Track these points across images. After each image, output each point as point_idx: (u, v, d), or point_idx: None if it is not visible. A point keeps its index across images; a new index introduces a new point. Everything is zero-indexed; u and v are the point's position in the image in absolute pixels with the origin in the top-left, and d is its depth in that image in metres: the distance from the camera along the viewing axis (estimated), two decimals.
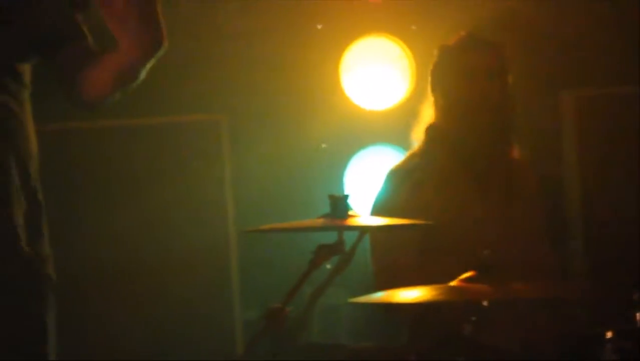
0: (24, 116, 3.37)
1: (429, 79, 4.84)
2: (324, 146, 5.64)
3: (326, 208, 3.89)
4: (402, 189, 4.70)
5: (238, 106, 5.51)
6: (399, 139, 5.29)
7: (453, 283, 3.90)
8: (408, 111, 5.14)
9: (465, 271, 3.90)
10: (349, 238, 3.81)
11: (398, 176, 4.76)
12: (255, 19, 5.60)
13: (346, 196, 3.85)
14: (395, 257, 4.58)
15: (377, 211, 4.68)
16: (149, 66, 3.22)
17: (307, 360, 4.15)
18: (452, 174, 4.70)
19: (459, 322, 4.01)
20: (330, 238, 3.78)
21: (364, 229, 3.97)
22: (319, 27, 5.63)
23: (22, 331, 3.29)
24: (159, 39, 3.13)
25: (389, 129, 5.57)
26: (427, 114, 4.82)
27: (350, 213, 3.89)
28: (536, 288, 4.12)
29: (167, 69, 3.40)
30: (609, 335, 4.07)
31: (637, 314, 3.91)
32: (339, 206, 3.90)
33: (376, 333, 5.04)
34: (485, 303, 3.95)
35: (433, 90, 4.79)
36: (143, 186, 5.24)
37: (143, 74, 3.25)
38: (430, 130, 4.77)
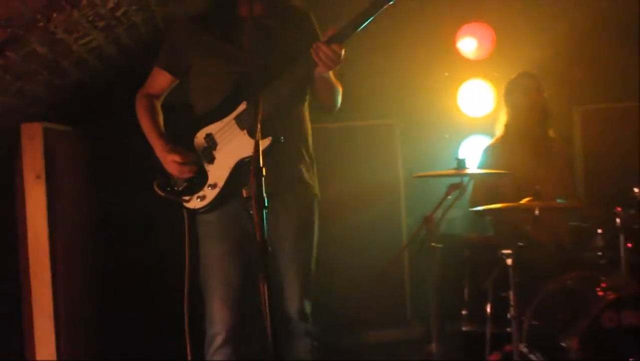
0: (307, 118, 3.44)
1: (503, 98, 4.80)
2: (447, 136, 5.39)
3: (452, 165, 3.96)
4: (493, 155, 4.68)
5: (405, 114, 5.17)
6: (488, 131, 5.06)
7: (523, 201, 3.93)
8: (493, 117, 5.04)
9: (525, 197, 3.95)
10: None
11: (492, 148, 4.76)
12: (417, 55, 5.23)
13: (464, 159, 3.96)
14: (479, 191, 4.54)
15: (483, 165, 4.62)
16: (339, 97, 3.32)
17: (442, 243, 3.98)
18: (518, 146, 4.63)
19: (523, 223, 4.00)
20: (453, 180, 3.90)
21: (472, 176, 4.03)
22: (446, 74, 5.38)
23: (302, 222, 3.34)
24: (335, 103, 3.31)
25: (483, 126, 5.29)
26: (502, 117, 4.78)
27: (465, 167, 3.96)
28: (560, 203, 4.05)
29: (358, 86, 3.35)
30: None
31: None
32: (460, 163, 3.96)
33: (476, 231, 4.82)
34: (537, 212, 3.89)
35: (505, 103, 4.77)
36: (340, 169, 4.87)
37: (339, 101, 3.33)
38: (506, 125, 4.73)
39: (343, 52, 3.07)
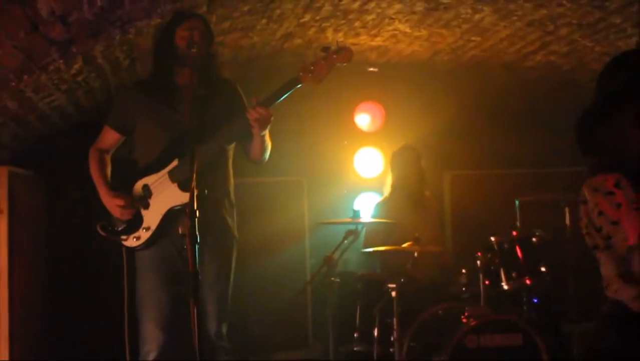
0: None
1: (390, 165, 4.86)
2: (345, 191, 5.36)
3: (348, 215, 4.06)
4: (381, 209, 4.71)
5: (311, 172, 5.23)
6: (377, 189, 5.13)
7: (403, 245, 4.06)
8: (382, 178, 5.09)
9: (406, 242, 4.08)
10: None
11: (381, 203, 4.81)
12: (322, 127, 5.28)
13: (358, 210, 4.07)
14: (370, 237, 4.52)
15: (374, 217, 4.58)
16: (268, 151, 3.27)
17: (339, 278, 4.06)
18: (401, 202, 4.69)
19: (405, 263, 4.06)
20: (349, 227, 3.98)
21: (365, 224, 4.15)
22: (345, 142, 5.40)
23: (222, 259, 3.24)
24: (264, 158, 3.27)
25: (374, 184, 5.31)
26: (389, 180, 4.82)
27: (359, 217, 4.04)
28: (433, 248, 4.26)
29: (273, 148, 3.25)
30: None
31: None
32: (355, 214, 4.05)
33: (367, 269, 4.73)
34: (416, 255, 4.01)
35: (391, 169, 4.84)
36: (257, 216, 4.73)
37: (267, 154, 3.27)
38: (392, 186, 4.79)
39: (271, 114, 3.05)
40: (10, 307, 3.60)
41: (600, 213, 2.11)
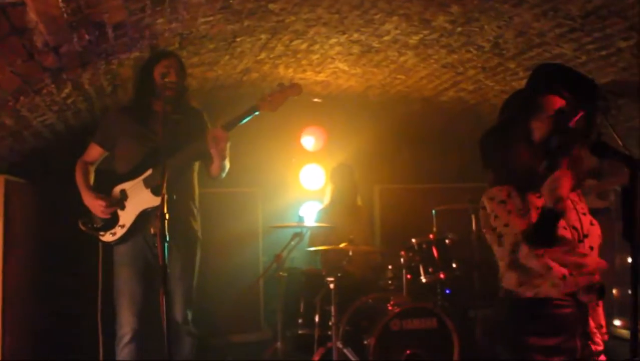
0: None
1: (329, 179, 4.90)
2: (292, 200, 5.29)
3: (295, 220, 4.28)
4: (322, 215, 4.74)
5: (264, 184, 5.14)
6: (319, 198, 5.09)
7: (340, 245, 4.01)
8: (323, 190, 5.09)
9: (342, 243, 4.03)
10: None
11: (322, 210, 4.81)
12: (274, 146, 5.19)
13: (303, 216, 4.30)
14: (313, 238, 4.52)
15: (316, 221, 4.68)
16: (226, 171, 3.24)
17: (287, 273, 4.13)
18: (338, 210, 4.70)
19: (341, 260, 4.09)
20: (296, 230, 4.00)
21: (309, 228, 4.21)
22: (293, 160, 5.36)
23: (188, 256, 3.25)
24: (220, 175, 3.23)
25: (316, 195, 5.26)
26: (328, 191, 4.84)
27: (304, 222, 4.15)
28: (365, 248, 4.24)
29: (232, 164, 3.24)
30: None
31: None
32: (301, 219, 4.21)
33: (310, 265, 4.65)
34: (350, 253, 4.03)
35: (330, 182, 4.86)
36: (218, 220, 4.62)
37: (224, 173, 3.25)
38: (331, 196, 4.79)
39: (227, 136, 3.08)
40: (4, 303, 3.46)
41: (496, 217, 2.21)
